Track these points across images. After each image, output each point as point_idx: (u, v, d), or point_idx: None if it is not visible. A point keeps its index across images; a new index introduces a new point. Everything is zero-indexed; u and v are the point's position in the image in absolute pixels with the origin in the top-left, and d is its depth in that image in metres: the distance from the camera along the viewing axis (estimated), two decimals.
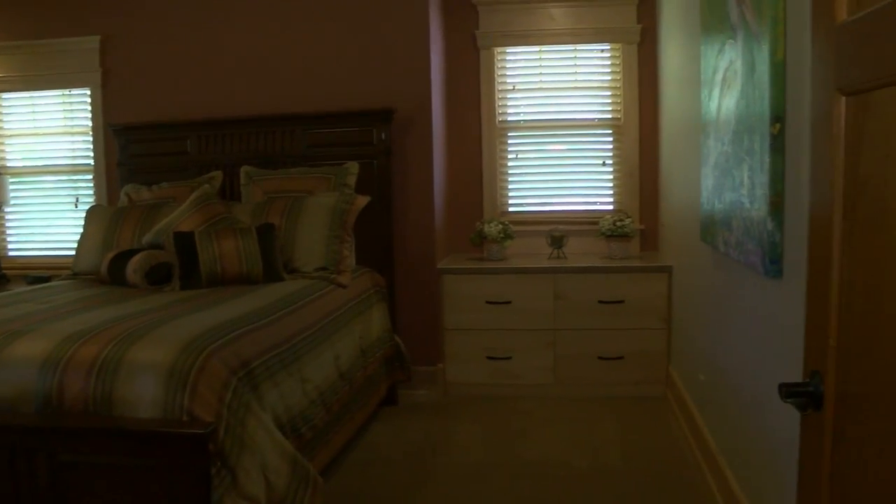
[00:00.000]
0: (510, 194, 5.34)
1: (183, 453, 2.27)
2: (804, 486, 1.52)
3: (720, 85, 3.15)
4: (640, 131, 5.14)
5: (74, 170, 5.37)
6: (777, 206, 2.39)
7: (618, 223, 4.77)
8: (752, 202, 2.62)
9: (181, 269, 3.84)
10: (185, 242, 3.86)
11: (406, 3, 4.67)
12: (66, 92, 5.32)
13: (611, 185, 5.24)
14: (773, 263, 2.40)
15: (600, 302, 4.60)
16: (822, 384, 1.40)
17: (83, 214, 4.64)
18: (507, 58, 5.31)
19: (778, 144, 2.38)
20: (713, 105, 3.26)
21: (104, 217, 4.44)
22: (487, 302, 4.69)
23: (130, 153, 4.97)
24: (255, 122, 4.76)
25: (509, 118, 5.32)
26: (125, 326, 2.71)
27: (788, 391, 1.44)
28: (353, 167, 4.50)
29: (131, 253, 4.00)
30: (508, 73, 5.31)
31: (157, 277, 3.89)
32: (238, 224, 4.09)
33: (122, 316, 2.95)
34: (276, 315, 3.17)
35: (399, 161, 4.70)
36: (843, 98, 1.33)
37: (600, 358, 4.64)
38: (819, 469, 1.43)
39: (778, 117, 2.38)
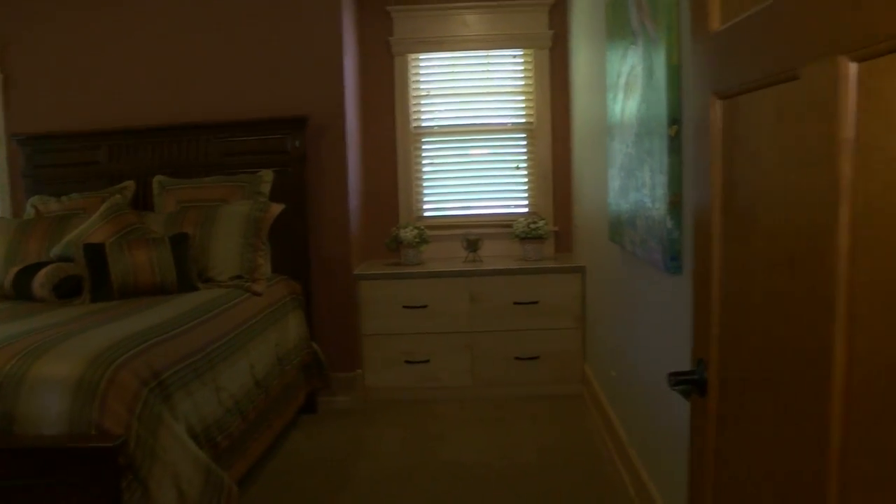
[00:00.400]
0: (425, 199, 5.39)
1: (92, 468, 2.23)
2: (694, 467, 1.60)
3: (623, 89, 3.24)
4: (553, 135, 5.25)
5: None
6: (675, 205, 2.49)
7: (531, 225, 4.86)
8: (654, 202, 2.71)
9: (92, 281, 3.76)
10: (95, 254, 3.78)
11: (319, 10, 4.66)
12: None
13: (525, 188, 5.33)
14: (673, 260, 2.50)
15: (515, 303, 4.69)
16: (706, 371, 1.48)
17: None
18: (422, 64, 5.35)
19: (675, 146, 2.48)
20: (618, 108, 3.36)
21: (8, 230, 4.30)
22: (404, 306, 4.72)
23: (36, 164, 4.82)
24: (168, 132, 4.69)
25: (424, 124, 5.36)
26: (30, 341, 2.64)
27: (676, 379, 1.51)
28: (267, 175, 4.48)
29: (38, 266, 3.88)
30: (423, 78, 5.36)
31: (67, 290, 3.80)
32: (151, 234, 4.03)
33: (26, 331, 2.87)
34: (189, 325, 3.14)
35: (314, 168, 4.70)
36: (719, 101, 1.41)
37: (517, 358, 4.72)
38: (705, 450, 1.50)
39: (675, 119, 2.48)
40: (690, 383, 1.52)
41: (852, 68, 0.95)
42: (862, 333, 0.96)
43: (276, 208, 4.32)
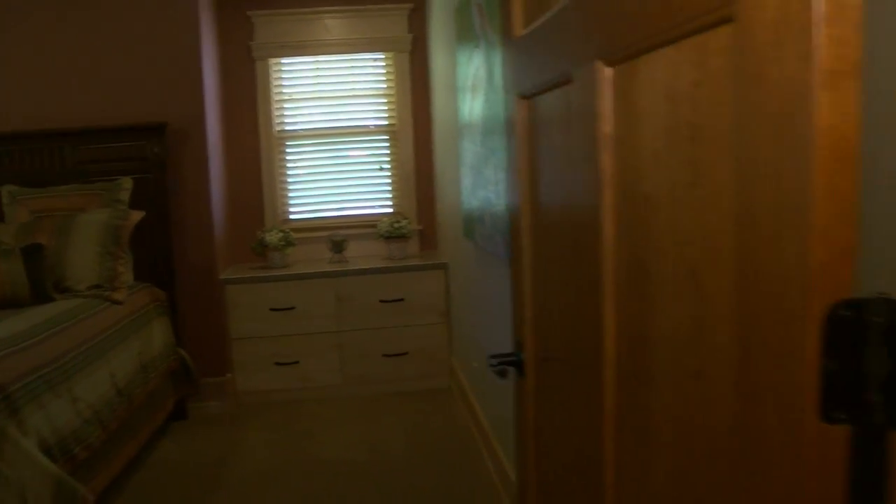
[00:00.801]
0: (291, 202, 5.41)
1: None
2: (518, 442, 1.72)
3: (471, 90, 3.38)
4: (415, 136, 5.37)
5: None
6: None
7: (395, 225, 4.96)
8: (498, 198, 2.86)
9: None
10: None
11: (177, 16, 4.61)
12: None
13: (389, 188, 5.43)
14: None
15: (381, 301, 4.78)
16: (523, 352, 1.60)
17: None
18: (284, 68, 5.37)
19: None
20: (466, 109, 3.50)
21: None
22: (272, 309, 4.74)
23: None
24: (20, 139, 4.52)
25: (287, 128, 5.38)
26: None
27: (497, 361, 1.63)
28: (127, 182, 4.41)
29: None
30: (286, 82, 5.38)
31: None
32: (0, 245, 3.91)
33: None
34: (40, 336, 3.08)
35: (175, 174, 4.65)
36: (522, 102, 1.54)
37: (385, 355, 4.81)
38: (526, 425, 1.63)
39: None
40: (511, 364, 1.65)
41: (608, 72, 1.08)
42: (621, 307, 1.09)
43: (137, 216, 4.27)
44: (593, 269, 1.15)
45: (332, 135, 5.39)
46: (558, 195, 1.35)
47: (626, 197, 1.05)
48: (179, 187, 4.66)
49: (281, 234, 4.93)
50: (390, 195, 5.43)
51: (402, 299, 4.78)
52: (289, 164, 5.39)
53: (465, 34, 3.49)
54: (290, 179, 5.40)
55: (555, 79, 1.30)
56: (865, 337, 0.63)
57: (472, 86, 3.34)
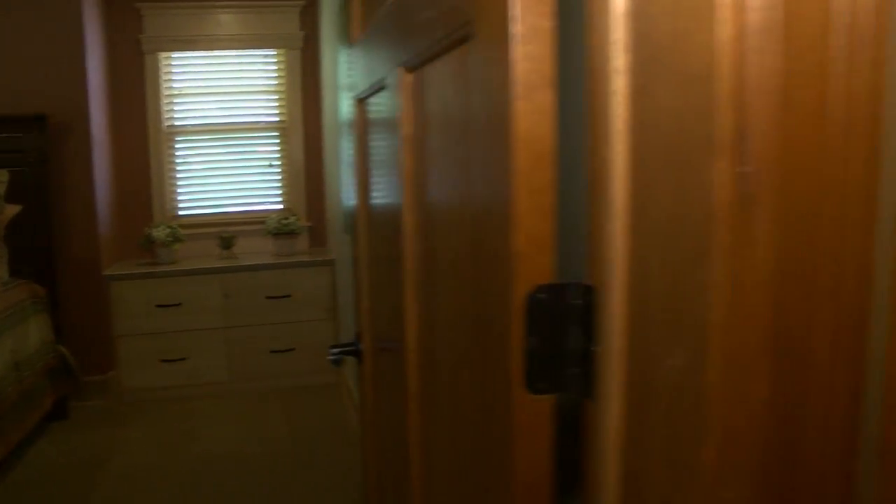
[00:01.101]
0: (180, 198, 5.36)
1: None
2: (363, 426, 1.80)
3: (348, 88, 3.45)
4: (305, 133, 5.39)
5: None
6: None
7: (283, 221, 4.99)
8: None
9: None
10: None
11: (59, 5, 4.52)
12: None
13: (279, 185, 5.44)
14: None
15: (269, 298, 4.80)
16: (362, 342, 1.68)
17: None
18: (174, 62, 5.31)
19: None
20: (345, 107, 3.56)
21: None
22: (158, 305, 4.70)
23: None
24: None
25: (177, 122, 5.33)
26: None
27: (337, 351, 1.71)
28: (2, 175, 4.30)
29: None
30: (176, 77, 5.32)
31: None
32: None
33: None
34: None
35: (57, 168, 4.56)
36: (358, 104, 1.61)
37: (273, 351, 4.83)
38: (367, 410, 1.71)
39: None
40: (351, 353, 1.72)
41: (408, 78, 1.17)
42: (420, 297, 1.18)
43: (12, 210, 4.18)
44: (399, 262, 1.24)
45: (222, 130, 5.36)
46: (382, 194, 1.43)
47: (420, 194, 1.14)
48: (62, 181, 4.57)
49: (169, 230, 4.89)
50: (280, 192, 5.44)
51: (289, 295, 4.81)
52: (178, 160, 5.34)
53: (345, 34, 3.55)
54: (179, 175, 5.35)
55: (377, 83, 1.38)
56: (562, 317, 0.72)
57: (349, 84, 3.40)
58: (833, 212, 0.50)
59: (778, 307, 0.51)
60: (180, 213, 5.35)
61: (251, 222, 5.31)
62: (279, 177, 5.43)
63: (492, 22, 0.74)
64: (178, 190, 5.35)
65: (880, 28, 0.49)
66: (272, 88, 5.41)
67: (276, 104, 5.41)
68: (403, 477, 1.33)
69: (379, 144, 1.44)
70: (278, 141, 5.42)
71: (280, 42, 5.36)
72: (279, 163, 5.42)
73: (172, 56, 5.29)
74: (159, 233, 4.86)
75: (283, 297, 4.80)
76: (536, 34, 0.69)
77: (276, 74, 5.41)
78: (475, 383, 0.86)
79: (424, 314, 1.15)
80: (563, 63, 0.73)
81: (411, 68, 1.14)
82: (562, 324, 0.72)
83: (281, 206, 5.41)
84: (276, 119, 5.41)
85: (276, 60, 5.41)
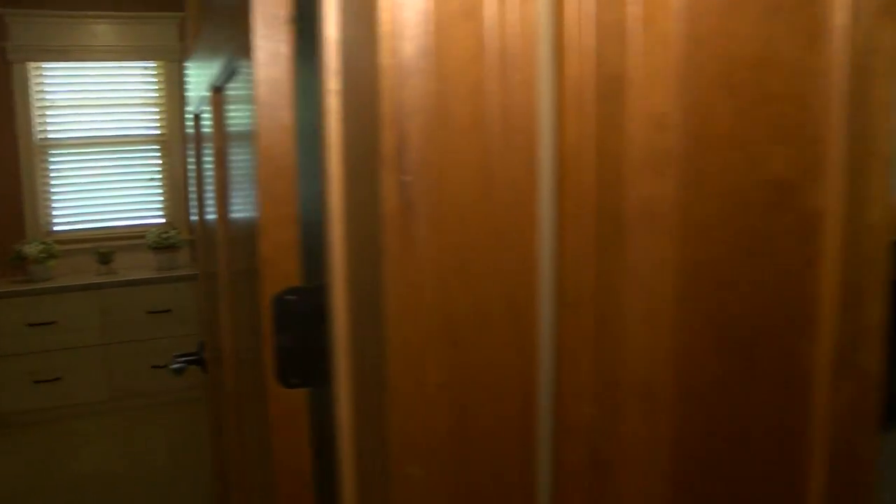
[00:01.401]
0: (55, 213, 5.22)
1: None
2: (211, 434, 1.83)
3: None
4: (185, 146, 5.33)
5: None
6: None
7: (163, 235, 4.93)
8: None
9: None
10: None
11: None
12: None
13: (160, 198, 5.36)
14: None
15: (149, 312, 4.72)
16: (205, 351, 1.71)
17: None
18: (46, 73, 5.18)
19: None
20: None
21: None
22: (29, 324, 4.57)
23: None
24: None
25: (51, 136, 5.20)
26: None
27: (180, 360, 1.73)
28: None
29: None
30: (48, 89, 5.19)
31: None
32: None
33: None
34: None
35: None
36: (195, 118, 1.64)
37: (153, 367, 4.76)
38: (213, 416, 1.74)
39: None
40: (195, 362, 1.75)
41: (216, 97, 1.21)
42: (230, 304, 1.22)
43: None
44: (215, 273, 1.28)
45: (100, 143, 5.26)
46: (210, 208, 1.47)
47: (226, 206, 1.19)
48: None
49: (42, 246, 4.76)
50: (161, 205, 5.36)
51: (169, 310, 4.75)
52: (53, 174, 5.21)
53: None
54: (54, 189, 5.22)
55: (202, 99, 1.42)
56: (311, 318, 0.78)
57: None
58: (498, 212, 0.58)
59: (445, 300, 0.58)
60: (56, 228, 5.21)
61: (132, 237, 5.21)
62: (160, 190, 5.36)
63: (246, 48, 0.80)
64: (54, 205, 5.21)
65: (528, 52, 0.57)
66: (153, 101, 5.34)
67: (157, 117, 5.33)
68: (237, 482, 1.37)
69: (207, 160, 1.48)
70: (159, 154, 5.34)
71: (159, 54, 5.29)
72: (160, 176, 5.35)
73: (44, 66, 5.16)
74: (31, 249, 4.73)
75: (164, 311, 4.74)
76: (276, 59, 0.75)
77: (156, 86, 5.34)
78: (252, 382, 0.92)
79: (234, 320, 1.19)
80: (310, 85, 0.79)
81: (217, 88, 1.19)
82: (311, 323, 0.78)
83: (162, 220, 5.33)
84: (157, 132, 5.33)
85: (155, 72, 5.34)
